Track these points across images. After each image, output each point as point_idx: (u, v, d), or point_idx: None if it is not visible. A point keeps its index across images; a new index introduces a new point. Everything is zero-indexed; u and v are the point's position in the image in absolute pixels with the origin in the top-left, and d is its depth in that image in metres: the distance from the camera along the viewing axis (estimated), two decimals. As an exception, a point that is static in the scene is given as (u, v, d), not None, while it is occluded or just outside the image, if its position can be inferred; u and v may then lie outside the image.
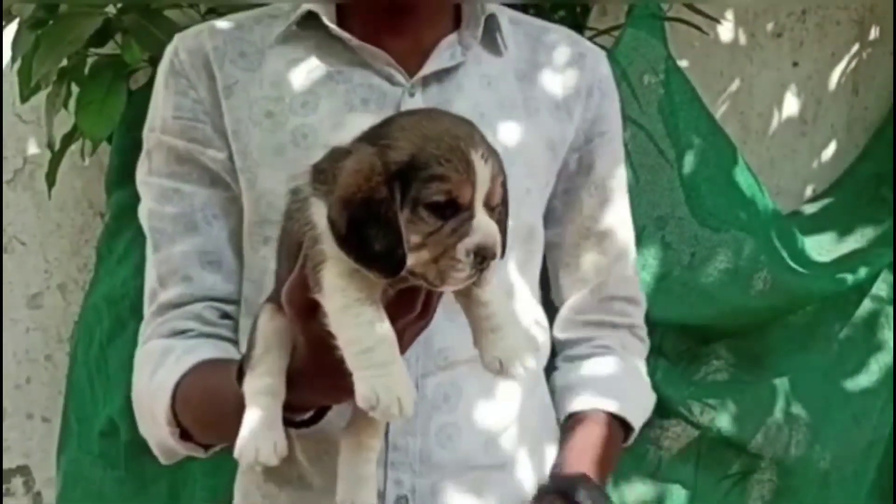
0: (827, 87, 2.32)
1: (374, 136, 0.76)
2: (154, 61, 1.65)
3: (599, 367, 1.16)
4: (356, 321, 0.74)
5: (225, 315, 1.07)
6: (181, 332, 1.04)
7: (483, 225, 0.73)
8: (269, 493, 1.06)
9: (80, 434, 1.88)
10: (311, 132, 1.02)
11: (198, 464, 1.75)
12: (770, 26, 2.27)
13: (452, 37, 1.06)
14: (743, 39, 2.25)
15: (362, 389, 0.74)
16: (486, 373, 0.82)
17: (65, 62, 1.68)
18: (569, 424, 1.12)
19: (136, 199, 1.91)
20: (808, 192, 2.31)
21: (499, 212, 0.78)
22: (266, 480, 1.06)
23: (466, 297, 0.81)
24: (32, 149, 2.06)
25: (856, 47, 2.31)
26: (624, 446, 1.17)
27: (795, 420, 1.98)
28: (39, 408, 2.12)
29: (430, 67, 1.03)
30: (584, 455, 1.07)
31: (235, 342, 1.06)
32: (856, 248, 2.08)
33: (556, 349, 1.20)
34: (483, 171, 0.74)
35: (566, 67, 1.10)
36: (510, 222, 0.90)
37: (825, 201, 2.22)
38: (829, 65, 2.31)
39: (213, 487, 1.74)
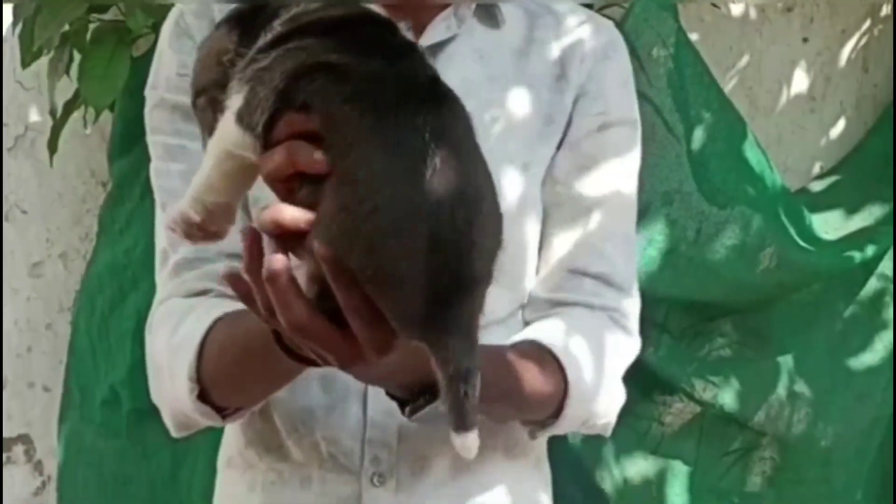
0: (837, 64, 2.31)
1: None
2: (157, 28, 1.64)
3: (545, 323, 1.03)
4: None
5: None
6: (201, 293, 1.02)
7: None
8: (251, 461, 1.05)
9: (82, 404, 1.90)
10: None
11: (200, 434, 1.79)
12: (780, 1, 2.26)
13: (448, 11, 1.04)
14: (753, 14, 2.24)
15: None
16: None
17: (66, 27, 1.67)
18: None
19: (138, 167, 1.91)
20: (816, 169, 2.31)
21: None
22: (247, 447, 1.05)
23: None
24: (34, 116, 2.05)
25: (867, 24, 2.30)
26: (550, 425, 0.99)
27: (798, 398, 2.00)
28: (41, 377, 2.13)
29: (424, 42, 1.01)
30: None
31: None
32: (863, 226, 2.09)
33: None
34: None
35: (565, 37, 1.08)
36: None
37: (833, 178, 2.22)
38: (839, 41, 2.30)
39: (215, 458, 1.76)
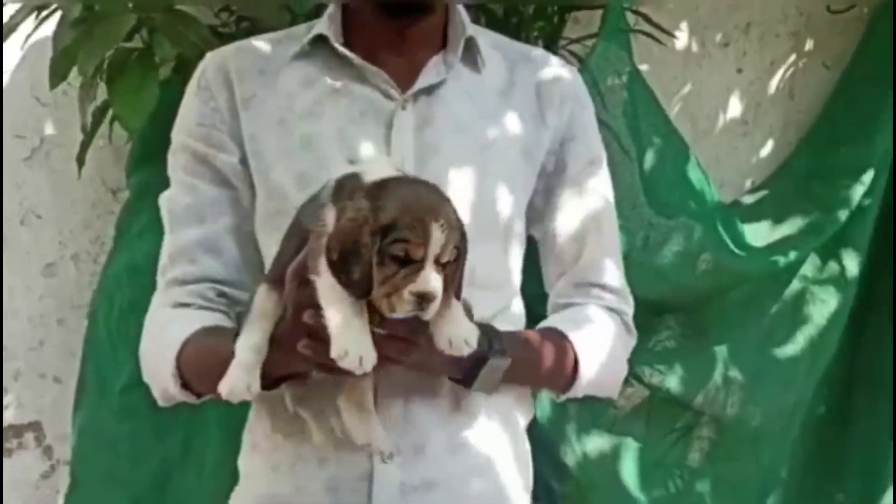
0: (766, 92, 2.44)
1: (374, 193, 0.96)
2: (181, 57, 1.80)
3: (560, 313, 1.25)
4: (340, 298, 0.96)
5: (222, 294, 1.20)
6: (185, 305, 1.19)
7: (426, 277, 0.94)
8: (276, 444, 1.18)
9: (100, 393, 1.98)
10: (316, 138, 1.14)
11: (212, 413, 1.88)
12: (718, 37, 2.40)
13: (438, 57, 1.18)
14: (695, 48, 2.38)
15: (337, 344, 0.93)
16: None
17: (93, 56, 1.81)
18: None
19: (154, 180, 2.06)
20: (748, 184, 2.45)
21: (451, 265, 0.97)
22: (273, 431, 1.18)
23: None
24: (49, 130, 2.14)
25: (793, 57, 2.45)
26: (571, 391, 1.20)
27: (732, 382, 2.18)
28: (52, 368, 2.20)
29: (419, 84, 1.16)
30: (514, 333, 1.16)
31: (229, 315, 1.20)
32: (787, 235, 2.24)
33: None
34: (437, 238, 0.94)
35: (542, 83, 1.23)
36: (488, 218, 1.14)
37: (762, 193, 2.37)
38: (768, 72, 2.44)
39: (225, 436, 1.85)
